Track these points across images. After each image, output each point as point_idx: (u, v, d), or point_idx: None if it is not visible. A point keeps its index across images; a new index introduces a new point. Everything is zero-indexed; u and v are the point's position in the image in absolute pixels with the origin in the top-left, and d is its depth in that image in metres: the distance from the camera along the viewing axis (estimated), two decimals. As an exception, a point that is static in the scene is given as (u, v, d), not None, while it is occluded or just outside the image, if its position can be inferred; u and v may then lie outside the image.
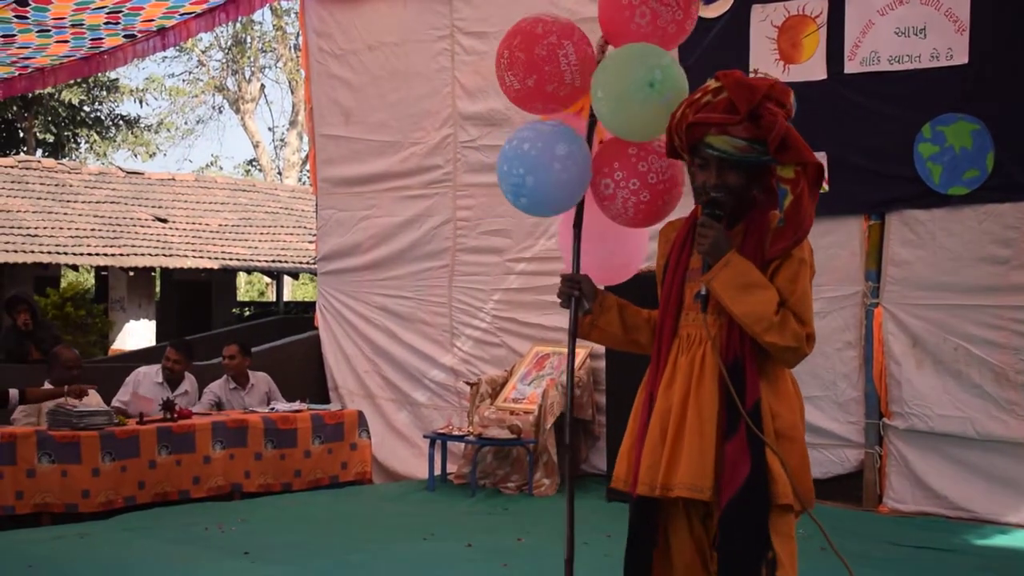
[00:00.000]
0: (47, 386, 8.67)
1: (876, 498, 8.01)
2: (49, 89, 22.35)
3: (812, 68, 8.31)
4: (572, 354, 4.30)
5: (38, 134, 30.09)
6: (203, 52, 35.50)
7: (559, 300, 3.93)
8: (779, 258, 3.42)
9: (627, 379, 8.30)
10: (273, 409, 9.30)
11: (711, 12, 8.63)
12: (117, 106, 33.48)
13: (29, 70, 12.56)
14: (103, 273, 22.23)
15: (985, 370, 7.63)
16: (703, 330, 3.49)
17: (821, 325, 8.18)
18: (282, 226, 23.64)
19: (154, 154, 36.58)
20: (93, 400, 8.57)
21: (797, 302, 3.37)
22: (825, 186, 8.18)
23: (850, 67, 8.17)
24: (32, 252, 18.46)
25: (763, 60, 8.47)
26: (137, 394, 9.17)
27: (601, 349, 8.76)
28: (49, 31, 10.79)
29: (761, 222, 3.49)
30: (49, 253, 18.67)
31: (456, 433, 9.12)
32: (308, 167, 11.41)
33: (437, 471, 9.23)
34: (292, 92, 33.69)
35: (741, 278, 3.36)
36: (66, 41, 11.34)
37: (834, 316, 8.23)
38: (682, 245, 3.63)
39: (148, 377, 9.53)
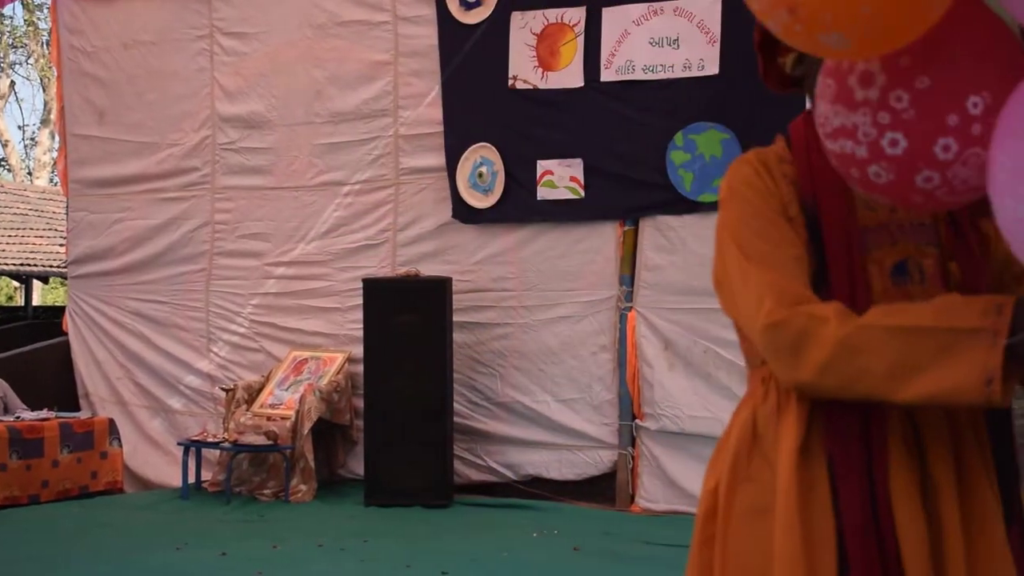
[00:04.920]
0: None
1: (629, 498, 8.17)
2: None
3: (569, 76, 8.43)
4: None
5: None
6: (-51, 47, 34.08)
7: None
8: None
9: (384, 383, 8.33)
10: (18, 418, 8.94)
11: (471, 18, 8.69)
12: None
13: None
14: None
15: (733, 372, 7.86)
16: None
17: (576, 329, 8.37)
18: (31, 228, 22.78)
19: None
20: None
21: None
22: (581, 192, 8.34)
23: (606, 75, 8.32)
24: None
25: (522, 67, 8.56)
26: None
27: (359, 352, 8.69)
28: None
29: None
30: None
31: (211, 440, 8.93)
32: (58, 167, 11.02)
33: (191, 479, 9.00)
34: (44, 90, 32.55)
35: None
36: None
37: (589, 320, 8.37)
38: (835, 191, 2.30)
39: None
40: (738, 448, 2.33)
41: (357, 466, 8.97)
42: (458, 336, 8.62)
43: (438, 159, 8.86)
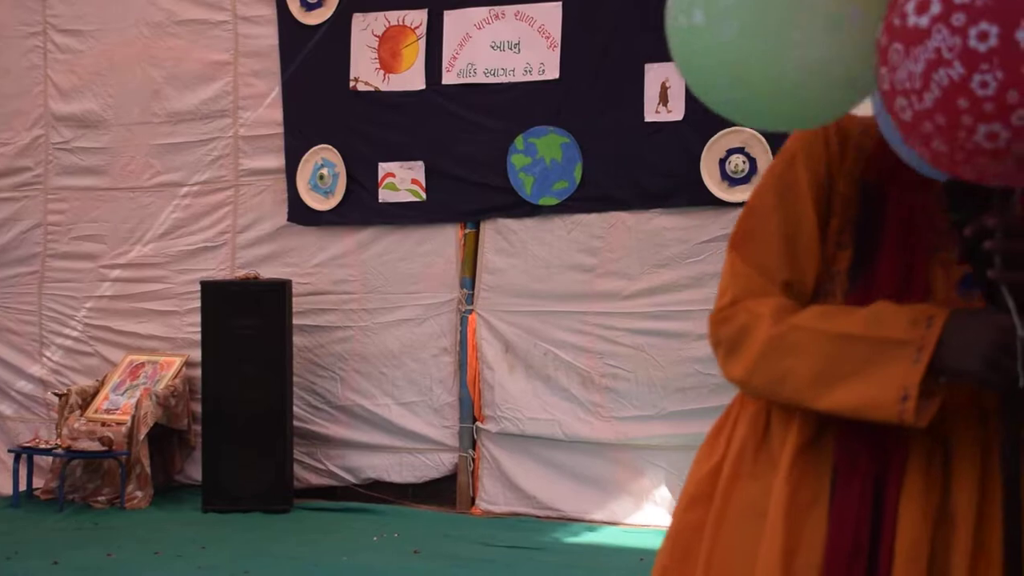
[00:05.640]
0: None
1: (469, 500, 8.20)
2: None
3: (411, 78, 8.43)
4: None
5: None
6: None
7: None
8: None
9: (222, 387, 8.22)
10: None
11: (312, 19, 8.63)
12: None
13: None
14: None
15: (572, 374, 7.95)
16: None
17: (417, 332, 8.38)
18: None
19: None
20: None
21: None
22: (422, 194, 8.35)
23: (448, 78, 8.34)
24: None
25: (364, 69, 8.54)
26: None
27: (198, 356, 8.56)
28: None
29: None
30: None
31: (43, 446, 8.70)
32: None
33: (23, 487, 8.76)
34: None
35: None
36: None
37: (430, 323, 8.38)
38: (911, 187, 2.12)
39: None
40: (745, 440, 2.23)
41: (195, 472, 8.83)
42: (298, 339, 8.55)
43: (278, 161, 8.78)
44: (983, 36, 1.67)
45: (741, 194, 7.51)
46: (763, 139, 7.50)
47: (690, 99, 7.69)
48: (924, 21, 1.73)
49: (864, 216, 2.13)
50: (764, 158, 7.47)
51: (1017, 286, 1.91)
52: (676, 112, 7.76)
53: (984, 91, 1.67)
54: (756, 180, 7.39)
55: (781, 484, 2.11)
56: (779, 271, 2.15)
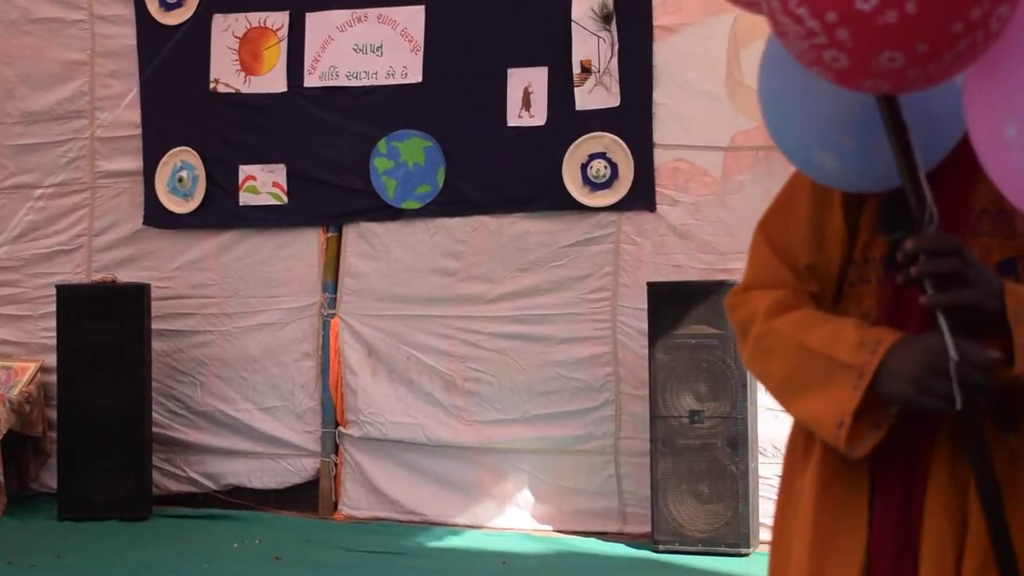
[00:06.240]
0: None
1: (332, 506, 8.15)
2: None
3: (273, 80, 8.36)
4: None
5: None
6: None
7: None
8: None
9: (79, 393, 8.06)
10: None
11: (171, 19, 8.49)
12: None
13: None
14: None
15: (435, 378, 7.95)
16: None
17: (279, 337, 8.32)
18: None
19: None
20: None
21: None
22: (284, 198, 8.28)
23: (310, 81, 8.28)
24: None
25: (225, 70, 8.44)
26: None
27: (53, 361, 8.38)
28: None
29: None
30: None
31: None
32: None
33: None
34: None
35: None
36: None
37: (292, 327, 8.31)
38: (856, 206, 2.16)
39: None
40: (794, 439, 2.23)
41: (50, 479, 8.63)
42: (157, 344, 8.41)
43: (136, 163, 8.63)
44: None
45: (603, 199, 7.60)
46: (624, 145, 7.58)
47: (552, 104, 7.77)
48: None
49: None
50: (625, 163, 7.55)
51: (948, 308, 1.89)
52: (538, 117, 7.81)
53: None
54: (617, 185, 7.55)
55: (812, 476, 2.11)
56: (803, 254, 2.16)
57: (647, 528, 7.14)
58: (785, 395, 2.12)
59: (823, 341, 2.03)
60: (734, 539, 6.81)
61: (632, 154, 7.57)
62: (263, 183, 8.31)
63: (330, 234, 8.26)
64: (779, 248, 2.19)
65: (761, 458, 7.08)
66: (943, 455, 2.01)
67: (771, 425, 6.79)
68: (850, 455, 1.98)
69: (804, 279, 2.16)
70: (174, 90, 8.51)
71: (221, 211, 8.44)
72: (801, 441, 2.20)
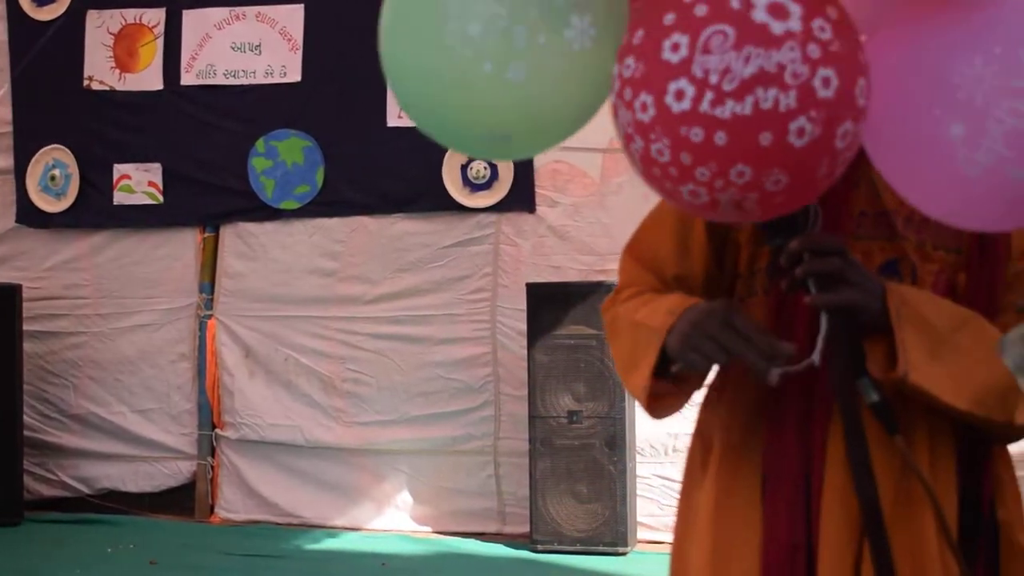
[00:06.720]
0: None
1: (208, 509, 8.07)
2: None
3: (148, 78, 8.25)
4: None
5: None
6: None
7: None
8: None
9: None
10: None
11: (44, 15, 8.35)
12: None
13: None
14: None
15: (314, 379, 7.91)
16: None
17: (154, 338, 8.21)
18: None
19: None
20: None
21: None
22: (160, 197, 8.18)
23: (187, 79, 8.19)
24: None
25: (99, 67, 8.31)
26: None
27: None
28: None
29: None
30: None
31: None
32: None
33: None
34: None
35: (934, 326, 1.93)
36: None
37: (168, 328, 8.21)
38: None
39: None
40: (693, 452, 2.22)
41: None
42: (28, 346, 8.24)
43: (7, 161, 8.46)
44: (644, 107, 1.67)
45: (483, 199, 7.61)
46: (504, 146, 7.60)
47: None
48: (613, 99, 1.75)
49: None
50: (505, 164, 7.57)
51: (832, 308, 1.88)
52: (418, 118, 7.80)
53: (662, 159, 1.67)
54: (497, 186, 7.57)
55: (709, 486, 2.11)
56: (670, 266, 2.17)
57: (526, 528, 7.17)
58: (625, 374, 2.14)
59: (650, 314, 2.06)
60: (612, 538, 6.87)
61: (512, 155, 7.59)
62: (138, 182, 8.20)
63: (207, 234, 8.18)
64: (646, 261, 2.23)
65: (639, 458, 7.17)
66: (837, 458, 1.98)
67: (649, 425, 6.85)
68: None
69: (672, 288, 2.18)
70: (47, 87, 8.36)
71: (95, 210, 8.31)
72: (699, 453, 2.20)
